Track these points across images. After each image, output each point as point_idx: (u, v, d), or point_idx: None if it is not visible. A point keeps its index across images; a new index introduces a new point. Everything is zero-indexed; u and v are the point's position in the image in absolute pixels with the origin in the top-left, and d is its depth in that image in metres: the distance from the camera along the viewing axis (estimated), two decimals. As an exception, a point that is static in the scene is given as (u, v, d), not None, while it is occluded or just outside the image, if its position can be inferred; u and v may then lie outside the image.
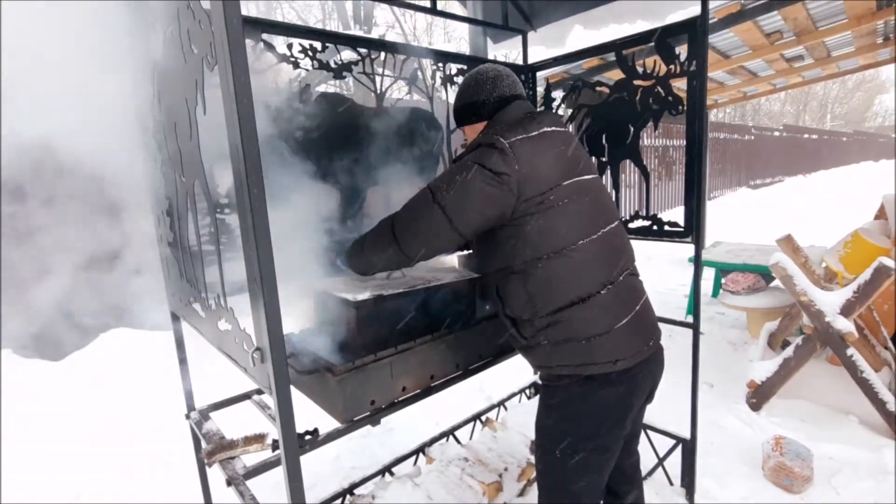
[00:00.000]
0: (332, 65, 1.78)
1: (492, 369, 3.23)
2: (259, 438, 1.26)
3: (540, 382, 1.50)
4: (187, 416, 1.49)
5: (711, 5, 3.04)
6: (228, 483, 1.14)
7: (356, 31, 10.49)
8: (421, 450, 2.31)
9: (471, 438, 2.51)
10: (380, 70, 1.93)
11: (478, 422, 2.62)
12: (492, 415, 2.68)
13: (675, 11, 2.13)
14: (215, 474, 1.40)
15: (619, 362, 1.29)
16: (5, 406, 2.94)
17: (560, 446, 1.36)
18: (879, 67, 5.74)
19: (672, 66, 1.96)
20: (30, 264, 3.00)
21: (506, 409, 2.74)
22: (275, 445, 1.22)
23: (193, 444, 1.57)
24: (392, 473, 2.19)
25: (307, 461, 2.71)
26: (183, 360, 1.49)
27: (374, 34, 8.16)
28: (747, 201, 12.87)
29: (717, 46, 4.03)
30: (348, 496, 2.02)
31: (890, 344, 2.85)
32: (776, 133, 17.83)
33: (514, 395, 2.82)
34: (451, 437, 2.44)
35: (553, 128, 1.33)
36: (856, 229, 3.24)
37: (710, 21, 3.31)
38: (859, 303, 2.55)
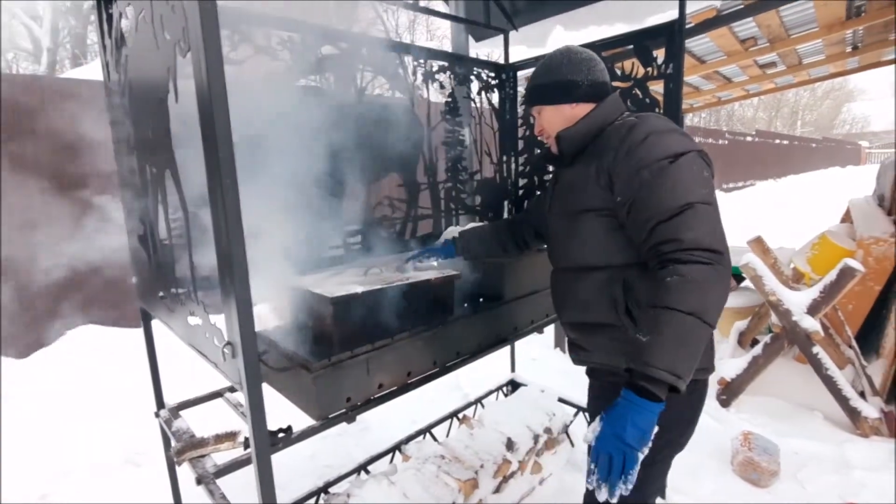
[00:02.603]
0: (312, 58, 1.76)
1: (470, 367, 3.25)
2: (230, 436, 1.23)
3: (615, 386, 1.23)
4: (156, 415, 1.46)
5: (688, 10, 3.10)
6: (198, 481, 1.12)
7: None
8: (397, 448, 2.30)
9: (447, 436, 2.51)
10: (359, 65, 1.91)
11: (455, 419, 2.62)
12: (469, 412, 2.69)
13: (655, 14, 2.16)
14: (185, 473, 1.37)
15: (711, 367, 1.28)
16: (-36, 405, 2.82)
17: (646, 455, 1.19)
18: (848, 76, 5.95)
19: (649, 69, 1.99)
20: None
21: (483, 406, 2.75)
22: (246, 443, 1.20)
23: (163, 442, 1.53)
24: (367, 472, 2.18)
25: (281, 459, 2.67)
26: (152, 357, 1.45)
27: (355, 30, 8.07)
28: (720, 204, 13.14)
29: (693, 51, 4.12)
30: (322, 495, 2.00)
31: (853, 342, 2.95)
32: (749, 138, 18.31)
33: (491, 392, 2.83)
34: (427, 435, 2.44)
35: None
36: (823, 232, 3.35)
37: (687, 26, 3.38)
38: (825, 302, 2.63)
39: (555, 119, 1.32)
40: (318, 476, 2.30)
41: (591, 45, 2.11)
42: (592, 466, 1.01)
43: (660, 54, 1.96)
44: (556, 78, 1.28)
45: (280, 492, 2.12)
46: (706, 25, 3.17)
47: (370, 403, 1.48)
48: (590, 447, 1.04)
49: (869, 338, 3.33)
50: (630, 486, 0.97)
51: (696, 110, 7.03)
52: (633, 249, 1.18)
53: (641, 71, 2.01)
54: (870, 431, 2.58)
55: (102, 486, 2.39)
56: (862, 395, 2.76)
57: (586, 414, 2.62)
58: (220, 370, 0.88)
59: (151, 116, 0.94)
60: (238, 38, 1.53)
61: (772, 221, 9.48)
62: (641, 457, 0.98)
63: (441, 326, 1.66)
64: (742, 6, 3.02)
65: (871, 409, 2.60)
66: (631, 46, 2.01)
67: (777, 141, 21.61)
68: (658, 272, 1.04)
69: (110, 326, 3.45)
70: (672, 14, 1.93)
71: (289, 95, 1.68)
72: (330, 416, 1.38)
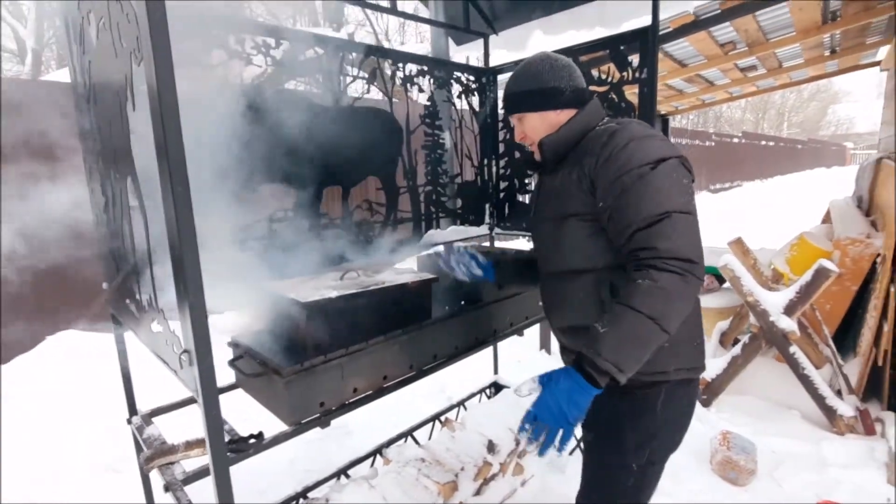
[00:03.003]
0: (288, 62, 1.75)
1: (453, 370, 3.25)
2: (200, 443, 1.23)
3: (609, 390, 1.21)
4: (129, 421, 1.45)
5: (666, 15, 3.15)
6: (166, 488, 1.11)
7: (326, 28, 10.36)
8: (378, 451, 2.30)
9: (430, 439, 2.51)
10: (338, 68, 1.91)
11: (437, 422, 2.62)
12: (452, 415, 2.70)
13: (631, 19, 2.19)
14: (159, 481, 1.36)
15: (703, 366, 1.28)
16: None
17: (640, 458, 1.28)
18: (832, 78, 6.05)
19: (625, 73, 2.01)
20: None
21: (465, 408, 2.76)
22: (217, 449, 1.19)
23: (136, 449, 1.52)
24: (348, 476, 2.18)
25: (260, 464, 2.66)
26: (124, 363, 1.44)
27: (343, 33, 8.06)
28: (707, 205, 13.31)
29: (674, 55, 4.17)
30: (301, 500, 1.99)
31: (830, 342, 2.99)
32: (735, 139, 18.52)
33: (473, 395, 2.84)
34: (408, 438, 2.44)
35: None
36: (801, 233, 3.40)
37: (666, 31, 3.43)
38: (801, 303, 2.67)
39: (539, 125, 1.32)
40: (299, 481, 2.29)
41: (568, 50, 2.13)
42: (527, 427, 1.11)
43: (636, 59, 1.98)
44: (540, 85, 1.28)
45: (259, 497, 2.12)
46: (684, 30, 3.22)
47: (345, 408, 1.48)
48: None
49: (847, 337, 3.39)
50: (561, 454, 1.10)
51: (681, 112, 7.11)
52: (618, 252, 1.20)
53: (618, 75, 2.03)
54: (845, 429, 2.63)
55: (83, 492, 2.36)
56: (839, 393, 2.80)
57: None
58: (179, 378, 0.87)
59: (113, 124, 0.93)
60: (212, 43, 1.53)
61: (758, 222, 9.60)
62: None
63: (417, 330, 1.66)
64: (719, 11, 3.07)
65: (846, 407, 2.64)
66: (607, 51, 2.03)
67: (763, 142, 21.88)
68: (632, 273, 1.07)
69: (91, 332, 3.42)
70: (647, 19, 1.95)
71: (262, 100, 1.68)
72: (303, 421, 1.38)
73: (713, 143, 16.04)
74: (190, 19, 1.32)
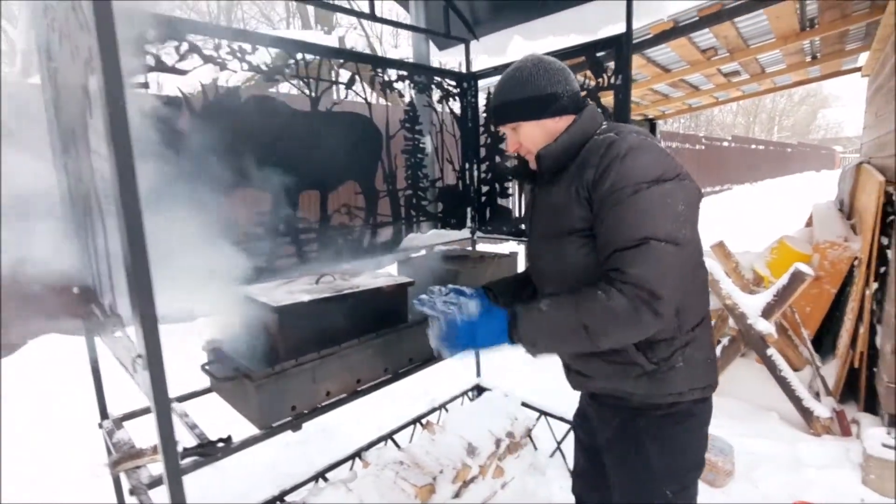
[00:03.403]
0: (264, 67, 1.77)
1: (436, 374, 3.25)
2: (169, 447, 1.23)
3: (619, 411, 1.26)
4: (100, 425, 1.45)
5: (643, 22, 3.20)
6: (131, 492, 1.12)
7: (317, 31, 10.37)
8: (357, 454, 2.31)
9: (410, 441, 2.52)
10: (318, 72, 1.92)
11: (419, 425, 2.63)
12: (434, 418, 2.71)
13: (609, 25, 2.22)
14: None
15: (716, 381, 1.25)
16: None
17: (673, 484, 1.22)
18: (822, 82, 6.14)
19: (601, 80, 2.03)
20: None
21: (447, 411, 2.77)
22: (184, 454, 1.20)
23: (107, 453, 1.52)
24: (326, 479, 2.18)
25: (240, 467, 2.65)
26: (95, 368, 1.44)
27: (334, 35, 8.07)
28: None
29: (657, 61, 4.22)
30: (279, 503, 1.99)
31: (809, 344, 3.03)
32: (725, 143, 18.68)
33: (456, 397, 2.86)
34: (388, 441, 2.45)
35: None
36: (781, 236, 3.44)
37: (646, 37, 3.47)
38: (778, 305, 2.71)
39: (536, 135, 1.24)
40: (278, 485, 2.29)
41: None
42: (444, 327, 1.19)
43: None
44: (537, 91, 1.19)
45: (238, 499, 2.11)
46: (664, 36, 3.26)
47: (317, 411, 1.49)
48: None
49: (827, 339, 3.43)
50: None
51: (668, 117, 7.20)
52: None
53: (594, 82, 2.06)
54: (822, 431, 2.66)
55: (65, 496, 2.35)
56: (817, 395, 2.84)
57: (548, 418, 2.66)
58: (136, 382, 0.88)
59: (76, 131, 0.94)
60: (185, 48, 1.53)
61: (745, 225, 9.69)
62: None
63: (391, 333, 1.68)
64: (697, 18, 3.12)
65: (823, 408, 2.67)
66: (583, 58, 2.06)
67: (753, 146, 22.08)
68: (599, 282, 1.06)
69: (72, 335, 3.40)
70: (623, 26, 1.97)
71: (239, 103, 1.69)
72: (274, 424, 1.39)
73: (703, 147, 16.18)
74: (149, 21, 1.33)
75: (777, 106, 36.52)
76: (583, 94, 2.09)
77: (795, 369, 3.25)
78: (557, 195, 1.21)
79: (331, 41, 8.29)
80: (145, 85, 1.40)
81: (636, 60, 3.97)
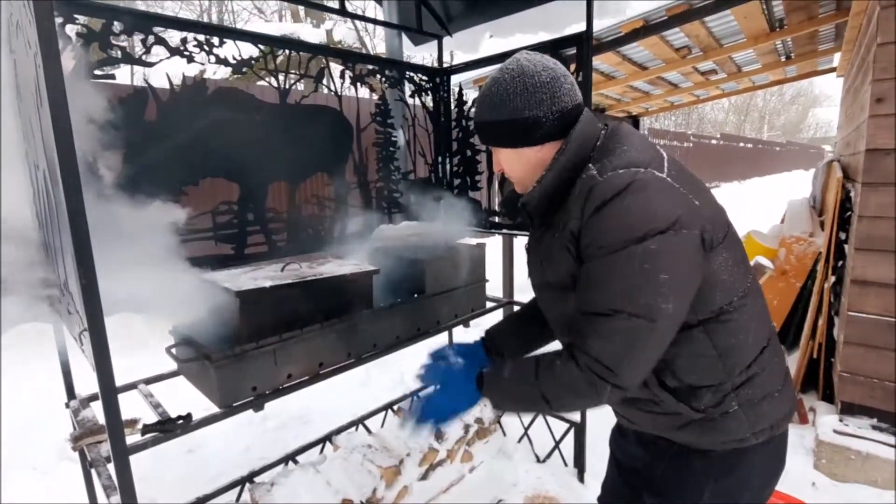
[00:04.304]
0: (232, 60, 1.81)
1: (413, 362, 3.30)
2: (130, 423, 1.29)
3: (671, 444, 1.10)
4: (66, 405, 1.50)
5: (616, 20, 3.27)
6: (90, 465, 1.18)
7: (307, 24, 10.35)
8: (328, 438, 2.37)
9: (382, 427, 2.59)
10: (284, 66, 1.97)
11: (391, 411, 2.70)
12: (405, 404, 2.78)
13: (575, 24, 2.28)
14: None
15: (790, 415, 1.09)
16: None
17: None
18: (814, 81, 6.23)
19: (564, 77, 2.09)
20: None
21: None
22: (144, 430, 1.26)
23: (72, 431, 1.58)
24: (296, 461, 2.24)
25: (215, 451, 2.71)
26: (62, 350, 1.50)
27: (322, 29, 8.08)
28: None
29: (633, 58, 4.30)
30: (248, 484, 2.06)
31: (772, 336, 3.12)
32: (714, 141, 18.85)
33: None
34: (360, 426, 2.52)
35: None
36: (748, 231, 3.53)
37: (617, 35, 3.54)
38: (740, 298, 2.79)
39: (514, 164, 1.08)
40: (251, 468, 2.36)
41: (513, 52, 2.21)
42: (421, 405, 1.21)
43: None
44: (512, 114, 0.99)
45: (211, 482, 2.17)
46: (634, 35, 3.33)
47: (278, 393, 1.55)
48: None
49: (792, 331, 3.53)
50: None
51: (651, 114, 7.29)
52: None
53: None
54: (780, 418, 2.75)
55: (35, 482, 2.40)
56: (778, 385, 2.94)
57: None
58: (83, 353, 0.94)
59: (32, 120, 0.99)
60: (152, 41, 1.58)
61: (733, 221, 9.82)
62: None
63: (354, 319, 1.74)
64: (666, 17, 3.18)
65: (781, 397, 2.77)
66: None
67: (742, 144, 22.28)
68: (565, 347, 0.99)
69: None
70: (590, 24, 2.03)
71: (205, 95, 1.74)
72: (234, 404, 1.45)
73: (691, 145, 16.32)
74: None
75: (768, 104, 36.82)
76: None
77: (762, 360, 3.35)
78: (549, 244, 1.06)
79: (319, 34, 8.30)
80: (111, 76, 1.44)
81: (612, 58, 4.03)
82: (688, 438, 1.05)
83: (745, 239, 3.48)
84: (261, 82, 1.92)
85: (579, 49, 2.01)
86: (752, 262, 2.75)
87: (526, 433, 2.68)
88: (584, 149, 1.00)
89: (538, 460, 2.58)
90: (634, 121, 6.91)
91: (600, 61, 4.10)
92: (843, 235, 2.79)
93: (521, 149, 1.04)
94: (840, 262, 2.82)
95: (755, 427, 1.01)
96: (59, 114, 0.74)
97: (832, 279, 2.84)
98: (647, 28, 3.26)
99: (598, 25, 3.28)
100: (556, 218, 1.04)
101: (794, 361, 3.11)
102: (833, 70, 5.19)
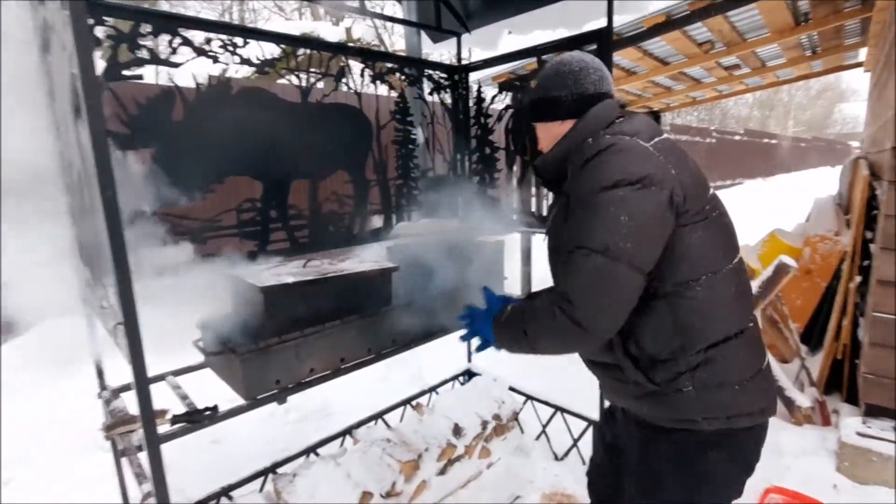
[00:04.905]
0: (255, 60, 1.84)
1: (431, 358, 3.34)
2: (159, 414, 1.33)
3: (642, 428, 1.20)
4: (99, 395, 1.56)
5: (637, 15, 3.23)
6: (122, 453, 1.22)
7: (326, 22, 10.42)
8: (348, 431, 2.41)
9: (400, 421, 2.62)
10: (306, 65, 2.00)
11: (409, 406, 2.73)
12: (424, 400, 2.80)
13: (595, 20, 2.27)
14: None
15: (764, 412, 1.12)
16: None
17: None
18: (841, 76, 6.06)
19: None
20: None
21: (437, 394, 2.87)
22: (173, 420, 1.30)
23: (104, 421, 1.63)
24: (317, 454, 2.29)
25: (238, 442, 2.76)
26: (94, 341, 1.55)
27: (342, 27, 8.13)
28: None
29: (654, 53, 4.24)
30: (271, 474, 2.10)
31: (796, 336, 3.07)
32: (737, 137, 18.45)
33: (446, 381, 2.95)
34: (379, 421, 2.55)
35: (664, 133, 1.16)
36: (773, 230, 3.47)
37: (639, 30, 3.49)
38: (762, 297, 2.75)
39: (543, 138, 1.27)
40: (274, 459, 2.41)
41: (532, 49, 2.21)
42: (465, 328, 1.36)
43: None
44: (542, 94, 1.22)
45: (235, 472, 2.23)
46: (657, 30, 3.29)
47: (301, 386, 1.59)
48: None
49: (818, 332, 3.46)
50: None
51: (673, 109, 7.19)
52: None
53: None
54: (803, 420, 2.71)
55: (67, 470, 2.49)
56: (802, 386, 2.89)
57: (534, 403, 2.74)
58: (118, 346, 0.98)
59: (67, 120, 1.03)
60: (178, 42, 1.62)
61: (754, 220, 9.62)
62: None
63: (374, 315, 1.77)
64: (689, 12, 3.13)
65: (804, 399, 2.72)
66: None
67: (766, 140, 21.77)
68: (547, 289, 1.16)
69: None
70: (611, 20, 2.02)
71: (230, 95, 1.78)
72: (258, 396, 1.49)
73: (714, 140, 16.01)
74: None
75: (793, 99, 35.89)
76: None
77: (784, 361, 3.29)
78: (557, 212, 1.19)
79: (339, 32, 8.36)
80: (139, 76, 1.49)
81: (633, 53, 3.99)
82: (645, 411, 1.14)
83: (769, 238, 3.42)
84: (281, 81, 1.95)
85: (599, 45, 2.00)
86: (775, 262, 2.70)
87: (544, 431, 2.68)
88: (594, 126, 1.14)
89: (556, 458, 2.59)
90: (655, 116, 6.82)
91: (621, 56, 4.06)
92: (869, 234, 2.72)
93: (547, 123, 1.24)
94: (866, 262, 2.75)
95: (707, 412, 1.06)
96: (94, 113, 0.77)
97: (858, 279, 2.78)
98: (669, 23, 3.22)
99: (619, 21, 3.25)
100: (564, 186, 1.17)
101: (817, 363, 3.05)
102: (860, 65, 5.05)
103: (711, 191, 1.13)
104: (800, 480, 2.33)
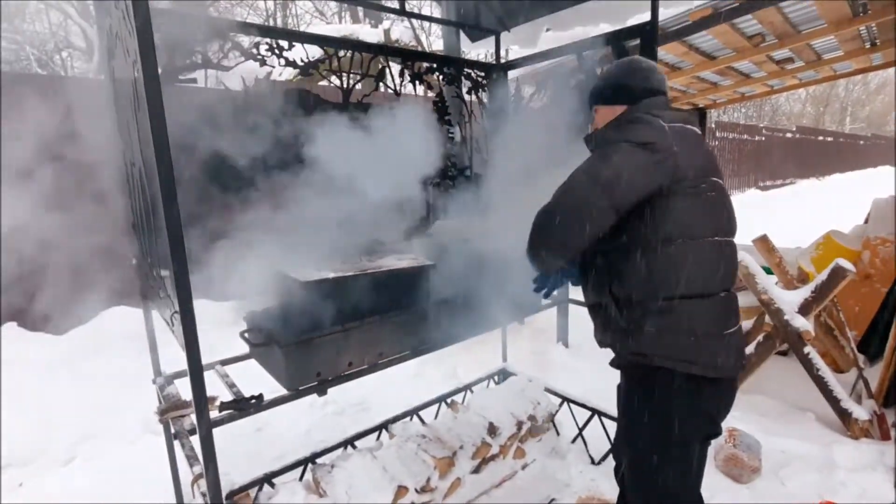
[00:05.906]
0: (300, 62, 1.90)
1: (466, 357, 3.34)
2: (210, 400, 1.40)
3: (619, 368, 1.49)
4: (154, 381, 1.65)
5: (685, 6, 3.12)
6: (175, 436, 1.29)
7: (365, 25, 10.60)
8: (384, 426, 2.45)
9: (435, 418, 2.64)
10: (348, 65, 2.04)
11: (444, 404, 2.75)
12: (458, 398, 2.81)
13: (637, 14, 2.22)
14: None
15: (717, 369, 1.28)
16: (8, 375, 3.12)
17: (657, 451, 1.36)
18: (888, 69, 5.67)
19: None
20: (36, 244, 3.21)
21: (472, 392, 2.87)
22: (222, 407, 1.36)
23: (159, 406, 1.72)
24: (355, 446, 2.34)
25: (279, 431, 2.85)
26: (150, 331, 1.64)
27: (380, 29, 8.25)
28: (754, 202, 12.75)
29: (701, 48, 4.08)
30: (310, 464, 2.16)
31: (852, 344, 2.91)
32: (789, 134, 17.57)
33: (481, 380, 2.95)
34: (414, 416, 2.58)
35: (692, 126, 1.37)
36: (828, 231, 3.29)
37: (684, 24, 3.38)
38: (816, 302, 2.62)
39: (598, 120, 1.50)
40: (313, 450, 2.48)
41: (572, 45, 2.18)
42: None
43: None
44: (613, 81, 1.45)
45: (275, 460, 2.30)
46: (703, 23, 3.16)
47: (340, 379, 1.63)
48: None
49: (880, 340, 3.26)
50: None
51: (720, 106, 6.90)
52: (618, 234, 1.30)
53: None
54: (860, 434, 2.57)
55: (123, 451, 2.64)
56: (860, 398, 2.73)
57: (570, 405, 2.70)
58: (174, 334, 1.03)
59: (129, 122, 1.10)
60: (229, 47, 1.69)
61: (807, 221, 9.14)
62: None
63: (412, 312, 1.79)
64: (737, 4, 3.00)
65: (861, 411, 2.57)
66: (610, 47, 2.07)
67: (821, 138, 20.63)
68: None
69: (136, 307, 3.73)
70: (668, 12, 1.97)
71: (277, 98, 1.84)
72: (300, 387, 1.53)
73: (763, 138, 15.30)
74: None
75: (851, 94, 33.84)
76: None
77: (840, 371, 3.12)
78: None
79: (378, 34, 8.48)
80: (193, 80, 1.56)
81: (677, 48, 3.85)
82: (614, 342, 1.38)
83: (824, 240, 3.25)
84: (322, 82, 2.00)
85: (643, 39, 1.96)
86: (831, 265, 2.56)
87: (580, 434, 2.64)
88: (644, 110, 1.34)
89: (593, 462, 2.54)
90: (701, 113, 6.58)
91: (665, 52, 3.94)
92: (938, 237, 2.54)
93: (601, 106, 1.48)
94: (934, 266, 2.57)
95: (662, 351, 1.27)
96: (156, 115, 0.81)
97: (924, 285, 2.61)
98: (715, 16, 3.10)
99: (664, 14, 3.16)
100: None
101: (876, 373, 2.87)
102: (926, 57, 4.71)
103: (716, 179, 1.31)
104: (854, 496, 2.21)
